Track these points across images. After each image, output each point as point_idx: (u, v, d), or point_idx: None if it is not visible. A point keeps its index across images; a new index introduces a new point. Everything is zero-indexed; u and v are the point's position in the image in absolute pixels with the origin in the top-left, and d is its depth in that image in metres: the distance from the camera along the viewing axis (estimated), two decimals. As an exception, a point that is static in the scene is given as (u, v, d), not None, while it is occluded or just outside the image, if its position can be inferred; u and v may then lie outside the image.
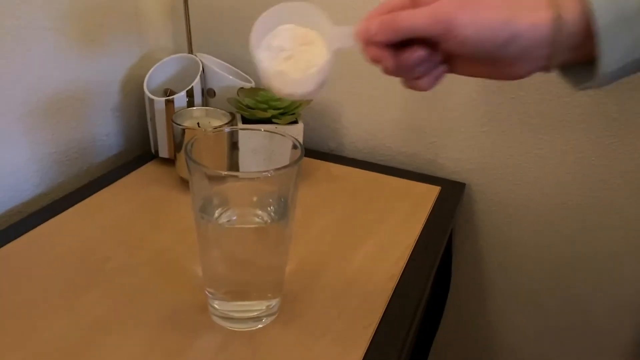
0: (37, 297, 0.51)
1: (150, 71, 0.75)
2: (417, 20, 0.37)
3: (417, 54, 0.38)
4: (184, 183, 0.72)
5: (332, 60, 0.41)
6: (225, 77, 0.76)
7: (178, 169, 0.73)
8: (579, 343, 0.86)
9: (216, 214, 0.47)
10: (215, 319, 0.50)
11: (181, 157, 0.70)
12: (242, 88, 0.75)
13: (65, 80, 0.71)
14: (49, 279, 0.54)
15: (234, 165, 0.56)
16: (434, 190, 0.75)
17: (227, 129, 0.55)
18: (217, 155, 0.52)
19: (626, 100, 0.69)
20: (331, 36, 0.41)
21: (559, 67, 0.40)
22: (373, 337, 0.49)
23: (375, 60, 0.39)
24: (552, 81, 0.70)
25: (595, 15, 0.36)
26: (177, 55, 0.78)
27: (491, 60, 0.38)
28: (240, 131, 0.57)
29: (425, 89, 0.41)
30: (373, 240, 0.63)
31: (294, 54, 0.42)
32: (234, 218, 0.48)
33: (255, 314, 0.49)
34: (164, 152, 0.76)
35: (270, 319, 0.50)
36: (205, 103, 0.77)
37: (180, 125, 0.68)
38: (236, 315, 0.49)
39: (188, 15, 0.78)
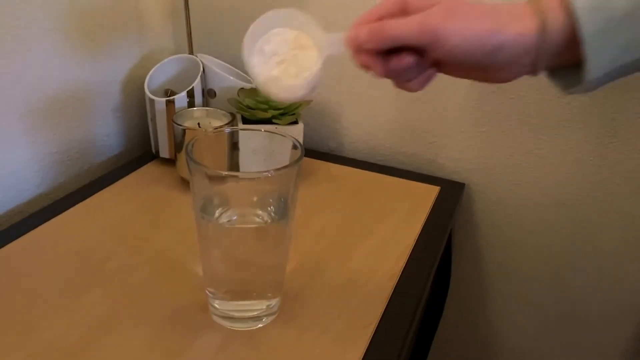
0: (38, 297, 0.52)
1: (151, 72, 0.75)
2: (404, 29, 0.38)
3: (406, 61, 0.39)
4: (185, 183, 0.72)
5: (323, 66, 0.42)
6: (225, 78, 0.76)
7: (179, 169, 0.73)
8: (579, 342, 0.86)
9: (216, 214, 0.47)
10: (215, 318, 0.50)
11: (182, 157, 0.70)
12: (242, 88, 0.75)
13: (66, 80, 0.71)
14: (50, 278, 0.54)
15: (234, 165, 0.56)
16: (433, 190, 0.75)
17: (227, 129, 0.56)
18: (218, 155, 0.52)
19: (626, 100, 0.69)
20: (322, 43, 0.42)
21: (547, 70, 0.41)
22: (373, 336, 0.49)
23: (365, 67, 0.40)
24: (551, 81, 0.70)
25: (580, 24, 0.36)
26: (178, 55, 0.79)
27: (478, 67, 0.39)
28: (240, 131, 0.57)
29: (415, 91, 0.42)
30: (373, 240, 0.63)
31: (286, 58, 0.43)
32: (235, 218, 0.48)
33: (256, 313, 0.49)
34: (164, 153, 0.76)
35: (270, 318, 0.50)
36: (205, 103, 0.78)
37: (180, 125, 0.68)
38: (236, 314, 0.49)
39: (188, 16, 0.78)
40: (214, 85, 0.77)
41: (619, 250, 0.78)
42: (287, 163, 0.44)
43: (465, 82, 0.75)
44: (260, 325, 0.50)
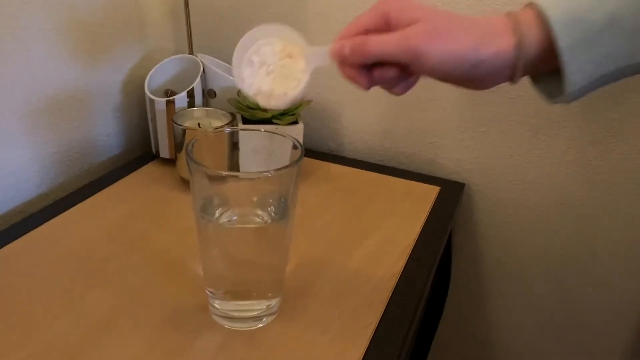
0: (38, 297, 0.52)
1: (151, 72, 0.75)
2: (386, 48, 0.39)
3: (388, 74, 0.41)
4: (185, 183, 0.72)
5: (311, 77, 0.43)
6: (225, 78, 0.76)
7: (179, 169, 0.73)
8: (578, 342, 0.86)
9: (217, 214, 0.47)
10: (215, 318, 0.50)
11: (182, 157, 0.70)
12: (242, 88, 0.75)
13: (66, 80, 0.71)
14: (50, 278, 0.54)
15: (234, 165, 0.56)
16: (433, 190, 0.75)
17: (227, 130, 0.55)
18: (218, 155, 0.52)
19: (626, 100, 0.69)
20: (308, 56, 0.43)
21: (530, 78, 0.42)
22: (373, 336, 0.49)
23: (350, 79, 0.42)
24: (551, 81, 0.70)
25: (556, 38, 0.37)
26: (178, 56, 0.79)
27: (458, 80, 0.40)
28: (240, 131, 0.57)
29: (399, 95, 0.43)
30: (373, 240, 0.63)
31: (275, 68, 0.44)
32: (235, 218, 0.48)
33: (256, 313, 0.49)
34: (164, 153, 0.76)
35: (270, 318, 0.50)
36: (205, 103, 0.78)
37: (180, 125, 0.68)
38: (236, 314, 0.49)
39: (189, 16, 0.78)
40: (214, 85, 0.77)
41: (619, 250, 0.78)
42: (287, 163, 0.44)
43: (465, 82, 0.75)
44: (260, 325, 0.50)
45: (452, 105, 0.78)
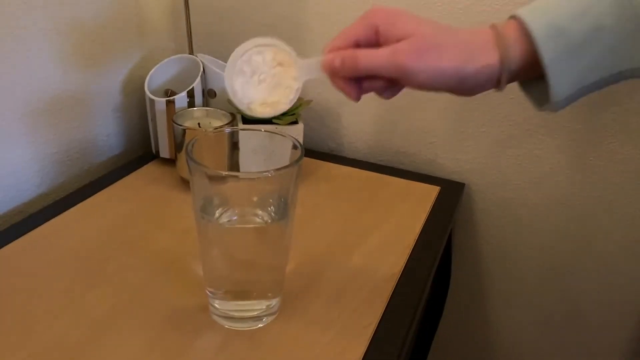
0: (38, 297, 0.52)
1: (151, 72, 0.75)
2: (376, 63, 0.40)
3: (377, 85, 0.43)
4: (185, 183, 0.72)
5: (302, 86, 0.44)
6: (225, 78, 0.76)
7: (179, 169, 0.73)
8: (579, 343, 0.86)
9: (217, 214, 0.47)
10: (215, 318, 0.50)
11: (182, 157, 0.70)
12: (242, 88, 0.75)
13: (66, 80, 0.71)
14: (50, 279, 0.54)
15: (234, 165, 0.56)
16: (433, 190, 0.75)
17: (227, 130, 0.55)
18: (218, 155, 0.52)
19: (625, 100, 0.69)
20: (299, 68, 0.44)
21: (519, 84, 0.43)
22: (373, 336, 0.49)
23: (340, 90, 0.43)
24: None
25: (540, 51, 0.38)
26: (178, 55, 0.79)
27: (446, 91, 0.42)
28: (240, 131, 0.57)
29: (387, 99, 0.44)
30: (373, 240, 0.63)
31: (266, 77, 0.45)
32: (235, 218, 0.48)
33: (256, 313, 0.49)
34: (164, 153, 0.76)
35: (270, 318, 0.50)
36: (205, 103, 0.78)
37: (181, 125, 0.68)
38: (236, 314, 0.49)
39: (189, 16, 0.78)
40: (214, 85, 0.77)
41: (619, 250, 0.78)
42: (287, 163, 0.44)
43: (465, 82, 0.75)
44: (260, 325, 0.50)
45: (452, 105, 0.78)
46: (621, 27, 0.38)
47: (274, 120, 0.69)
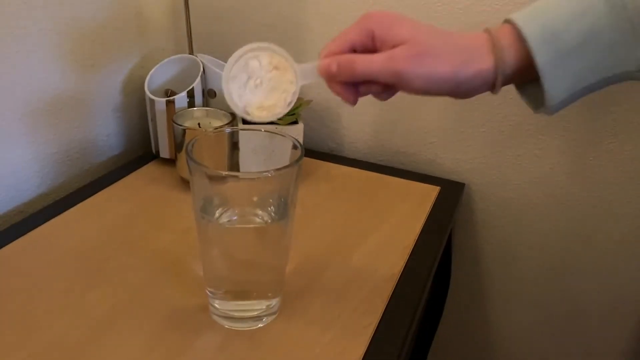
0: (38, 297, 0.52)
1: (151, 72, 0.75)
2: (372, 69, 0.41)
3: (373, 89, 0.43)
4: (185, 183, 0.72)
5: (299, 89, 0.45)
6: (225, 78, 0.76)
7: (179, 169, 0.73)
8: (578, 343, 0.86)
9: (217, 214, 0.47)
10: (215, 318, 0.50)
11: (182, 157, 0.70)
12: (242, 88, 0.75)
13: (66, 80, 0.71)
14: (50, 278, 0.54)
15: (234, 165, 0.56)
16: (433, 190, 0.75)
17: (227, 130, 0.56)
18: (218, 155, 0.52)
19: (625, 100, 0.69)
20: (296, 72, 0.44)
21: (515, 86, 0.44)
22: (373, 336, 0.49)
23: (337, 94, 0.43)
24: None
25: (534, 55, 0.39)
26: (178, 56, 0.79)
27: (441, 95, 0.42)
28: (240, 131, 0.57)
29: (383, 100, 0.45)
30: (373, 240, 0.63)
31: (262, 81, 0.45)
32: (235, 218, 0.48)
33: (256, 313, 0.49)
34: (164, 153, 0.76)
35: (270, 318, 0.50)
36: (205, 103, 0.78)
37: (181, 125, 0.68)
38: (236, 314, 0.49)
39: (189, 16, 0.78)
40: (214, 85, 0.77)
41: (620, 251, 0.78)
42: (287, 163, 0.44)
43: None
44: (260, 325, 0.50)
45: (452, 105, 0.78)
46: (614, 30, 0.38)
47: (274, 120, 0.69)
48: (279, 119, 0.69)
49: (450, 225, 0.71)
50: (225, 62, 0.45)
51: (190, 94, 0.74)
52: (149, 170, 0.77)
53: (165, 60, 0.77)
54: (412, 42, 0.40)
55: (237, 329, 0.49)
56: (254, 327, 0.49)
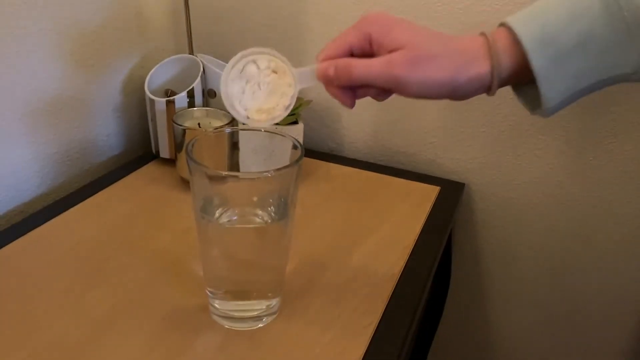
0: (38, 297, 0.52)
1: (151, 72, 0.75)
2: (370, 74, 0.41)
3: (371, 92, 0.43)
4: (185, 183, 0.72)
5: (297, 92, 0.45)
6: (225, 78, 0.76)
7: (179, 169, 0.73)
8: (579, 342, 0.86)
9: (217, 214, 0.47)
10: (215, 318, 0.50)
11: (182, 157, 0.70)
12: (242, 88, 0.75)
13: (67, 80, 0.71)
14: (50, 279, 0.54)
15: (234, 165, 0.56)
16: (433, 190, 0.75)
17: (227, 130, 0.56)
18: (218, 155, 0.52)
19: (625, 100, 0.69)
20: (294, 76, 0.44)
21: (512, 87, 0.44)
22: (373, 336, 0.49)
23: (335, 97, 0.44)
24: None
25: (530, 59, 0.39)
26: (178, 56, 0.79)
27: (438, 98, 0.43)
28: (240, 131, 0.57)
29: (381, 101, 0.45)
30: (373, 240, 0.63)
31: (261, 84, 0.45)
32: (235, 218, 0.48)
33: (256, 313, 0.49)
34: (164, 153, 0.76)
35: (270, 318, 0.50)
36: (205, 103, 0.78)
37: (181, 125, 0.68)
38: (236, 314, 0.49)
39: (189, 16, 0.78)
40: (214, 85, 0.77)
41: (620, 251, 0.78)
42: (287, 163, 0.44)
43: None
44: (260, 325, 0.50)
45: (452, 105, 0.78)
46: (610, 33, 0.38)
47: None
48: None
49: (450, 225, 0.71)
50: (226, 62, 0.45)
51: (190, 94, 0.74)
52: (149, 170, 0.77)
53: (165, 60, 0.77)
54: (409, 47, 0.40)
55: (237, 329, 0.49)
56: (254, 327, 0.49)
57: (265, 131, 0.50)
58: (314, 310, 0.52)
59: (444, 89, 0.41)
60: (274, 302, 0.50)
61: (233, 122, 0.70)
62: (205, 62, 0.77)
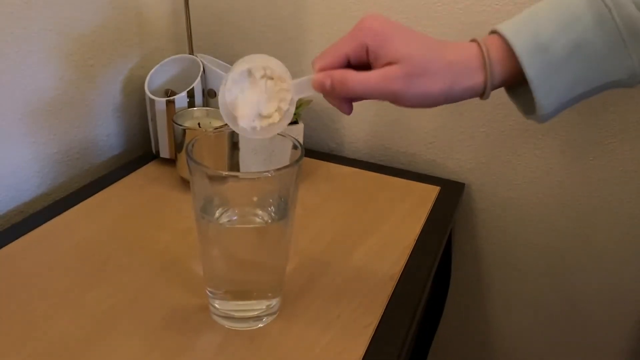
0: (38, 297, 0.52)
1: (151, 72, 0.75)
2: (366, 88, 0.41)
3: (368, 100, 0.43)
4: (185, 183, 0.72)
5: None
6: (225, 78, 0.76)
7: (179, 169, 0.73)
8: (579, 343, 0.86)
9: (217, 214, 0.47)
10: (215, 318, 0.50)
11: (182, 157, 0.70)
12: (242, 88, 0.75)
13: (67, 80, 0.71)
14: (50, 279, 0.54)
15: (234, 165, 0.56)
16: (433, 190, 0.75)
17: (227, 130, 0.55)
18: (218, 155, 0.52)
19: (625, 100, 0.69)
20: (292, 86, 0.43)
21: (506, 90, 0.45)
22: (373, 336, 0.49)
23: (333, 105, 0.44)
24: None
25: (524, 67, 0.40)
26: (178, 56, 0.79)
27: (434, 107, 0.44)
28: (240, 132, 0.57)
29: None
30: (373, 240, 0.63)
31: (259, 91, 0.44)
32: (235, 218, 0.48)
33: (256, 313, 0.49)
34: (164, 153, 0.76)
35: (270, 318, 0.50)
36: (205, 103, 0.78)
37: (181, 125, 0.68)
38: (236, 314, 0.49)
39: (189, 16, 0.78)
40: (214, 85, 0.77)
41: (620, 251, 0.78)
42: (287, 163, 0.44)
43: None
44: (260, 325, 0.50)
45: (452, 105, 0.77)
46: (603, 41, 0.39)
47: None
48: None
49: (450, 225, 0.71)
50: (226, 62, 0.44)
51: (190, 94, 0.74)
52: (149, 170, 0.77)
53: (165, 60, 0.77)
54: (405, 62, 0.40)
55: (237, 329, 0.49)
56: (254, 327, 0.49)
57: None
58: (314, 310, 0.52)
59: (439, 100, 0.42)
60: (274, 302, 0.50)
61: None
62: (205, 62, 0.77)
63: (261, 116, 0.44)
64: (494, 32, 0.42)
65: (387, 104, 0.43)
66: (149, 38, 0.83)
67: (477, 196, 0.82)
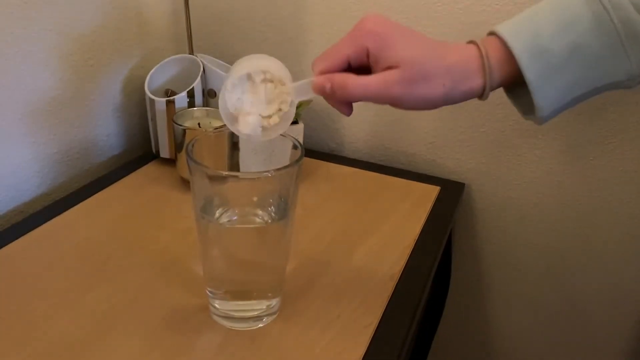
0: (38, 297, 0.52)
1: (151, 72, 0.75)
2: (366, 93, 0.42)
3: (368, 102, 0.44)
4: (185, 183, 0.72)
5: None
6: (226, 78, 0.76)
7: (179, 169, 0.73)
8: (579, 342, 0.86)
9: (217, 214, 0.47)
10: (215, 318, 0.50)
11: (182, 157, 0.70)
12: (242, 88, 0.75)
13: (67, 80, 0.71)
14: (50, 278, 0.54)
15: (234, 165, 0.56)
16: (433, 190, 0.75)
17: (227, 130, 0.55)
18: (218, 155, 0.52)
19: (625, 100, 0.69)
20: (292, 89, 0.43)
21: (504, 90, 0.45)
22: (373, 336, 0.49)
23: (334, 107, 0.44)
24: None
25: (523, 70, 0.40)
26: (178, 56, 0.79)
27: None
28: (240, 131, 0.57)
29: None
30: (373, 240, 0.63)
31: (259, 94, 0.44)
32: (235, 218, 0.48)
33: (256, 313, 0.49)
34: (164, 153, 0.76)
35: (270, 318, 0.50)
36: (206, 103, 0.78)
37: (181, 125, 0.68)
38: (237, 314, 0.49)
39: (189, 16, 0.78)
40: (214, 85, 0.77)
41: (620, 251, 0.78)
42: (287, 163, 0.44)
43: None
44: (260, 325, 0.50)
45: (451, 105, 0.78)
46: (602, 44, 0.39)
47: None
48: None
49: (450, 225, 0.71)
50: (226, 62, 0.44)
51: (190, 94, 0.74)
52: (149, 170, 0.77)
53: (165, 60, 0.77)
54: (405, 66, 0.40)
55: (237, 329, 0.49)
56: (254, 327, 0.49)
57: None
58: (314, 310, 0.52)
59: (438, 103, 0.42)
60: (274, 302, 0.50)
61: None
62: (205, 62, 0.77)
63: (262, 119, 0.44)
64: (492, 33, 0.42)
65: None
66: (149, 38, 0.83)
67: (477, 196, 0.82)
